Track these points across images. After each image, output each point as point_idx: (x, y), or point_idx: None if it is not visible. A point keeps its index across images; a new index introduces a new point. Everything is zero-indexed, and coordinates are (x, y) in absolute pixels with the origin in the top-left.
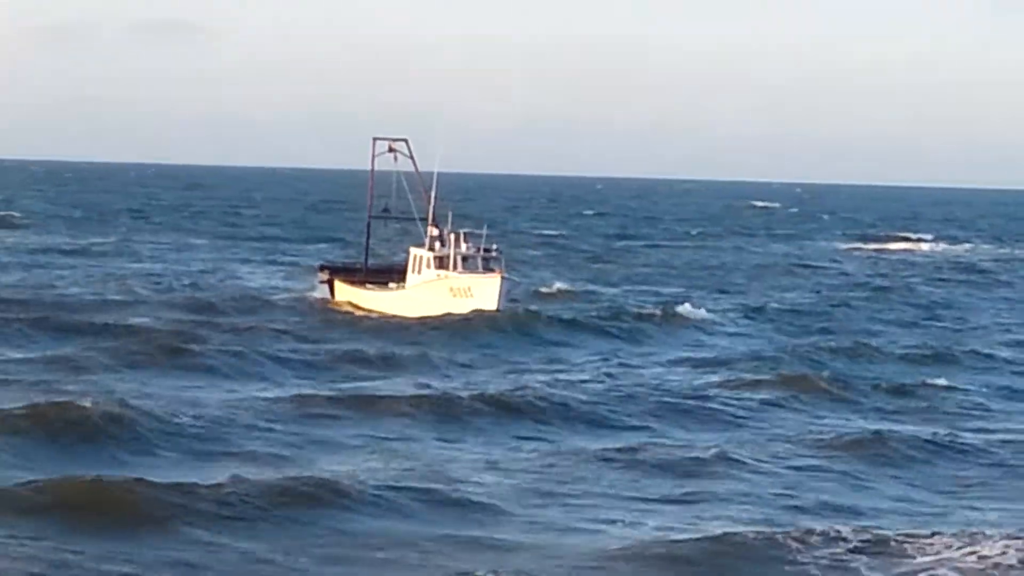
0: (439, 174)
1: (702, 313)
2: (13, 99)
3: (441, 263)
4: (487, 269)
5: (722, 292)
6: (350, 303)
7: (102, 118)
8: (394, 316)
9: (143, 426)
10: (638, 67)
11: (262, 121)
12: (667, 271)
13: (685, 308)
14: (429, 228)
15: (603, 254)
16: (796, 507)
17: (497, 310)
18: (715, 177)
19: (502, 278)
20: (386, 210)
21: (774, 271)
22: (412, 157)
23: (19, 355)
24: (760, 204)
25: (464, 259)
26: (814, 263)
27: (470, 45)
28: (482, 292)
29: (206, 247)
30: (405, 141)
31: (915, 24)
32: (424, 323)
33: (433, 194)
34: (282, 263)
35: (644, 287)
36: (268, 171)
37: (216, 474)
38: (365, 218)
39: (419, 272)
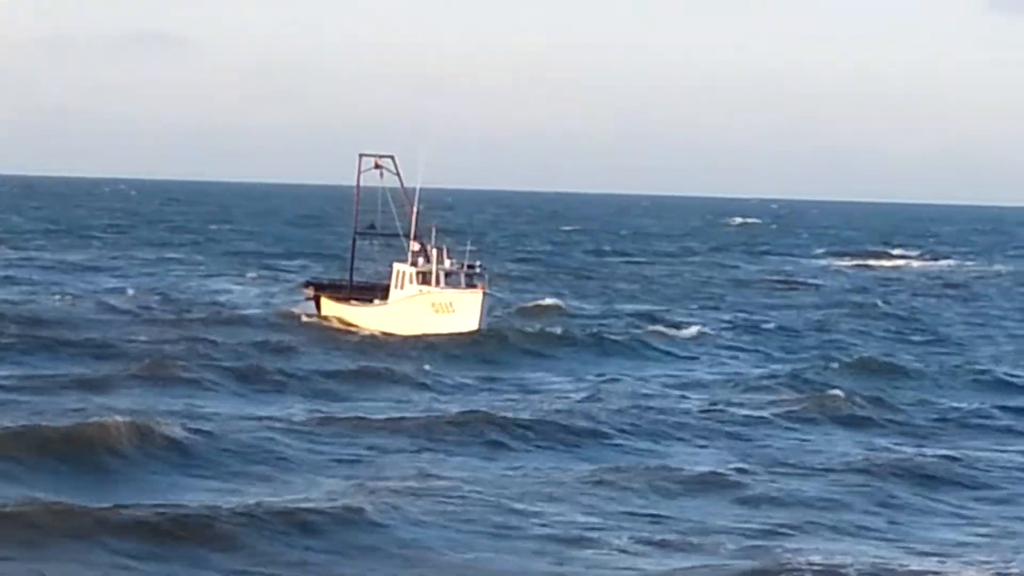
0: (424, 190)
1: (694, 331)
2: None
3: (423, 279)
4: (470, 285)
5: (711, 308)
6: (337, 319)
7: (75, 132)
8: (378, 332)
9: (182, 447)
10: (607, 78)
11: (239, 136)
12: (653, 287)
13: (684, 327)
14: (411, 243)
15: (586, 269)
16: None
17: (478, 329)
18: (686, 192)
19: (484, 294)
20: (372, 226)
21: (761, 287)
22: (398, 173)
23: (19, 372)
24: (740, 220)
25: (447, 275)
26: (803, 279)
27: (454, 58)
28: (464, 308)
29: (187, 262)
30: (391, 158)
31: (894, 40)
32: (417, 341)
33: (415, 209)
34: (266, 279)
35: (632, 304)
36: (247, 186)
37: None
38: (350, 234)
39: (402, 287)
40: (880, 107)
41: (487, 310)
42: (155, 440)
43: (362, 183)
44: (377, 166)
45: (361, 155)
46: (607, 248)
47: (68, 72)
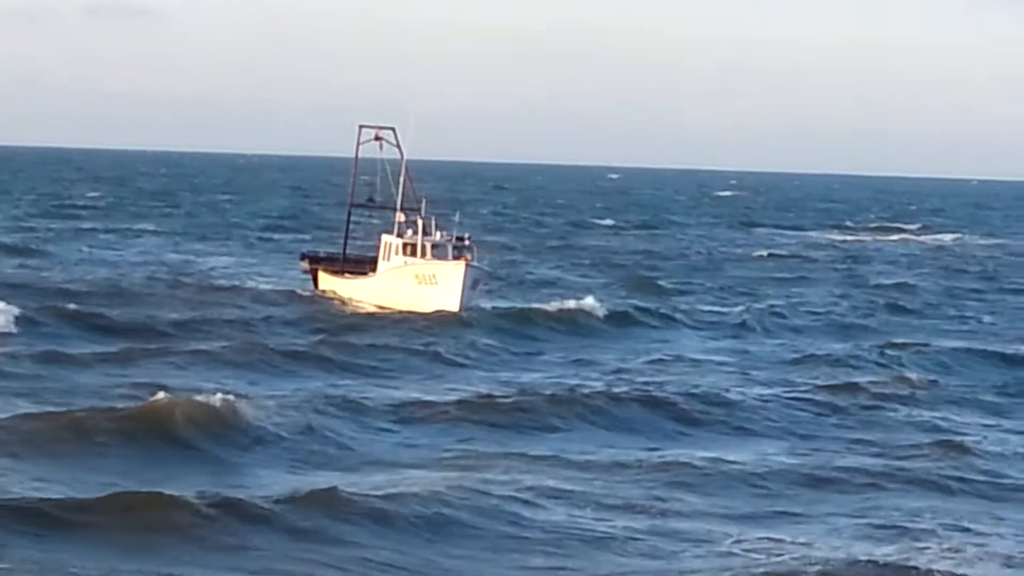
0: (416, 161)
1: (738, 310)
2: None
3: (410, 250)
4: (457, 257)
5: (726, 287)
6: (332, 293)
7: (57, 102)
8: (364, 304)
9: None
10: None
11: (223, 106)
12: (663, 263)
13: (727, 306)
14: (397, 214)
15: (585, 243)
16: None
17: (460, 302)
18: (653, 164)
19: (467, 265)
20: (371, 199)
21: (771, 263)
22: (399, 146)
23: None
24: (725, 193)
25: (434, 247)
26: (808, 254)
27: (446, 31)
28: (446, 279)
29: (182, 236)
30: (392, 129)
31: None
32: (452, 315)
33: (402, 180)
34: (264, 252)
35: (637, 280)
36: (225, 156)
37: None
38: (346, 206)
39: (388, 259)
40: (844, 82)
41: (473, 282)
42: (221, 421)
43: (359, 155)
44: (377, 138)
45: (361, 126)
46: (604, 219)
47: (46, 42)
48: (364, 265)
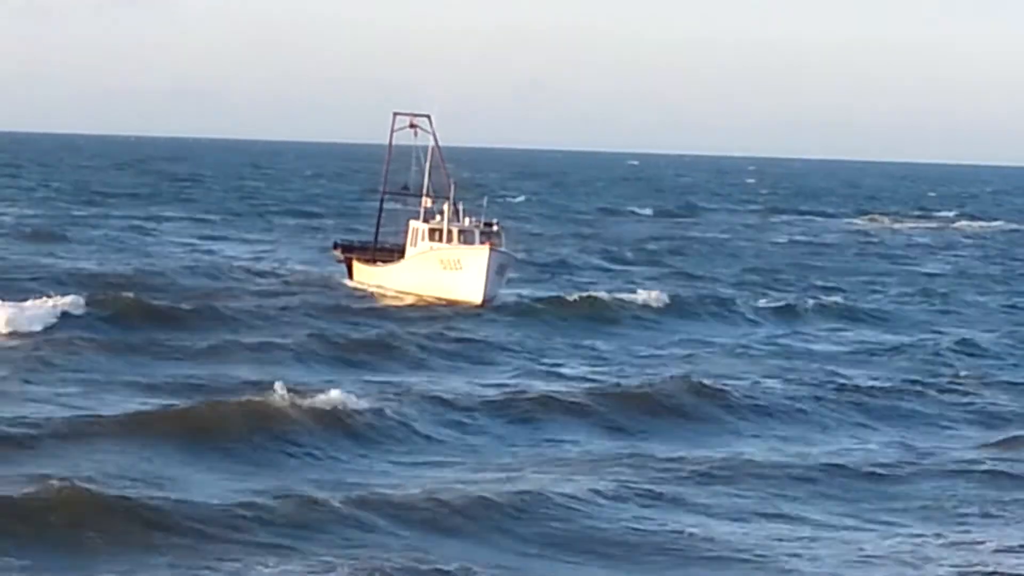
0: (446, 148)
1: (789, 298)
2: None
3: (436, 235)
4: (485, 243)
5: (775, 275)
6: (367, 282)
7: (69, 90)
8: (391, 290)
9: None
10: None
11: (232, 95)
12: (701, 249)
13: (774, 294)
14: (423, 199)
15: (624, 230)
16: None
17: (484, 297)
18: (661, 150)
19: (492, 249)
20: (405, 187)
21: (813, 249)
22: (434, 133)
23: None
24: (750, 180)
25: (462, 232)
26: (838, 242)
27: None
28: (470, 264)
29: (215, 222)
30: (428, 117)
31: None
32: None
33: (427, 167)
34: (297, 238)
35: (686, 268)
36: (234, 143)
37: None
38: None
39: (415, 245)
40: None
41: (499, 268)
42: (340, 416)
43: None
44: (412, 125)
45: (395, 114)
46: (628, 207)
47: (57, 30)
48: (395, 254)
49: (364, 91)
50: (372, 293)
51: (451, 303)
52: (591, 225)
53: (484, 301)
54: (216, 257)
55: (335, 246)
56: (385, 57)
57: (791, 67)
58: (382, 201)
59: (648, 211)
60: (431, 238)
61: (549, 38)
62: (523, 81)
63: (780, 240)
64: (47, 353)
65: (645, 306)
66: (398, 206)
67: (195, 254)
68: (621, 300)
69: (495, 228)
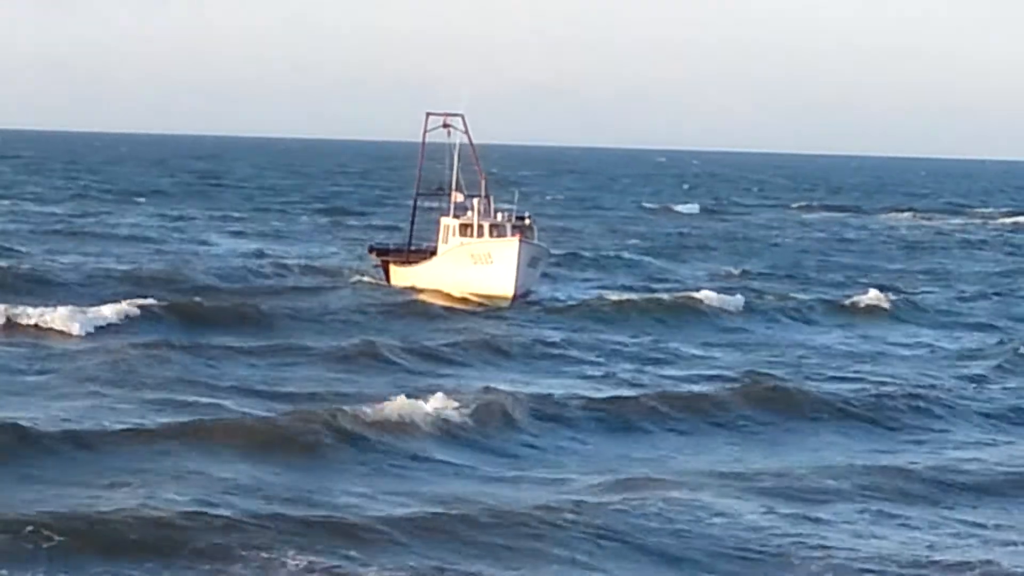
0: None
1: (872, 296)
2: None
3: (467, 231)
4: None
5: (836, 272)
6: (403, 283)
7: (86, 86)
8: (424, 288)
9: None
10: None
11: (253, 90)
12: (753, 247)
13: (873, 295)
14: (453, 195)
15: (671, 228)
16: None
17: (515, 282)
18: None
19: (522, 241)
20: (440, 188)
21: (864, 245)
22: (468, 132)
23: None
24: (781, 179)
25: (493, 226)
26: (885, 238)
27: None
28: (501, 257)
29: (252, 221)
30: (461, 116)
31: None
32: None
33: (456, 161)
34: (332, 235)
35: (746, 267)
36: (271, 141)
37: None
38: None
39: (447, 242)
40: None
41: (531, 260)
42: (446, 425)
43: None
44: (445, 125)
45: (428, 114)
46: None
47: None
48: (429, 255)
49: (390, 88)
50: (417, 293)
51: (484, 299)
52: (636, 223)
53: (516, 295)
54: (260, 256)
55: (370, 250)
56: (409, 52)
57: (797, 61)
58: (415, 202)
59: (694, 208)
60: (462, 234)
61: (571, 37)
62: (547, 79)
63: (822, 235)
64: (127, 357)
65: (720, 308)
66: (435, 204)
67: (237, 254)
68: (696, 300)
69: (527, 221)
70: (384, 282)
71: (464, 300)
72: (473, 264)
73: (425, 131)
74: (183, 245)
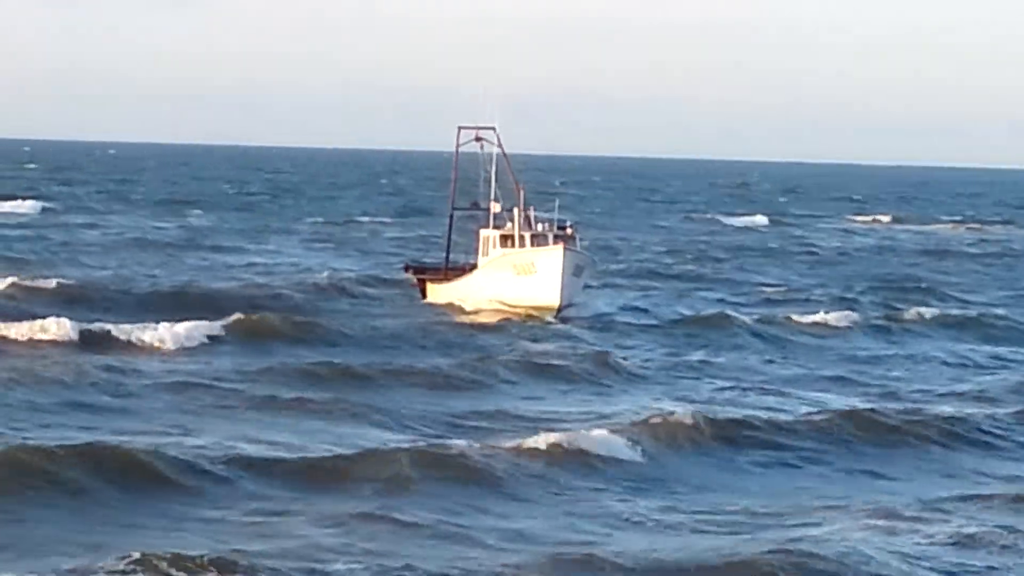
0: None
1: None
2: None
3: (508, 242)
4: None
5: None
6: (441, 302)
7: (90, 94)
8: (466, 303)
9: None
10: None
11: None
12: (823, 260)
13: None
14: (491, 205)
15: (736, 240)
16: None
17: (561, 291)
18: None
19: (566, 250)
20: (475, 204)
21: (927, 258)
22: (501, 146)
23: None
24: (740, 181)
25: (534, 236)
26: (954, 249)
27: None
28: (545, 266)
29: (301, 234)
30: (493, 129)
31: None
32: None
33: (493, 172)
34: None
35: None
36: (300, 151)
37: None
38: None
39: (487, 254)
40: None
41: (575, 269)
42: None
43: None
44: (478, 139)
45: (460, 127)
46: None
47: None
48: (467, 271)
49: (421, 98)
50: (462, 309)
51: (531, 311)
52: (689, 234)
53: (561, 305)
54: (317, 272)
55: (406, 268)
56: (431, 58)
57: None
58: (451, 218)
59: (763, 220)
60: (503, 245)
61: (598, 43)
62: (573, 87)
63: (888, 245)
64: (245, 380)
65: (822, 324)
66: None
67: (302, 272)
68: (795, 319)
69: (568, 231)
70: (421, 299)
71: (505, 313)
72: (516, 275)
73: (457, 145)
74: (242, 260)
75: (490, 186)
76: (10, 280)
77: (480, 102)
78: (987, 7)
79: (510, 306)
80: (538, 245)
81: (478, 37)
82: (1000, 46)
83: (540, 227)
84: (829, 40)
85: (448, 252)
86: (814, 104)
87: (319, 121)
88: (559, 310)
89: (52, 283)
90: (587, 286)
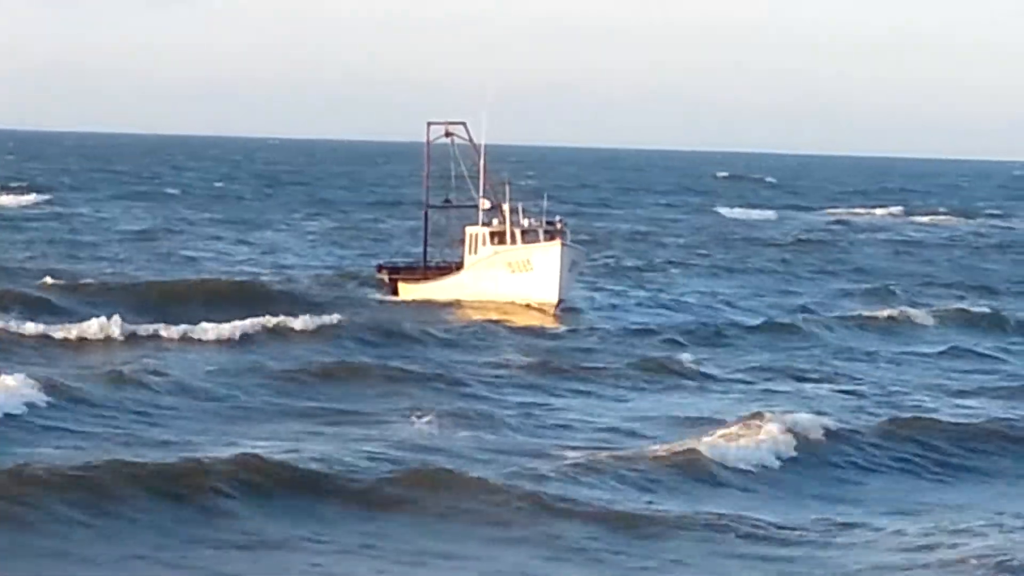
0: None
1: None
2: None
3: (498, 239)
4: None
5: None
6: (416, 300)
7: (86, 86)
8: (454, 301)
9: None
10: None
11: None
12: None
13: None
14: (480, 201)
15: (766, 234)
16: None
17: (560, 289)
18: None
19: (562, 245)
20: (447, 201)
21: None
22: (472, 141)
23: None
24: (725, 174)
25: (524, 233)
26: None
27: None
28: (542, 263)
29: (314, 230)
30: (463, 124)
31: None
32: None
33: (482, 166)
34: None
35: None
36: (304, 143)
37: None
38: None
39: (475, 252)
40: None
41: (570, 264)
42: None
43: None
44: (448, 134)
45: (430, 123)
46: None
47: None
48: (449, 269)
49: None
50: (454, 306)
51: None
52: (710, 229)
53: (560, 302)
54: (332, 268)
55: (379, 269)
56: (422, 52)
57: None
58: (426, 217)
59: (771, 214)
60: (493, 242)
61: (584, 36)
62: (556, 79)
63: (922, 239)
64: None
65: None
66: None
67: (318, 268)
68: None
69: (559, 226)
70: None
71: (511, 313)
72: (511, 273)
73: (428, 142)
74: (259, 253)
75: (466, 182)
76: (47, 279)
77: (473, 98)
78: (987, 7)
79: (507, 303)
80: (529, 241)
81: (479, 37)
82: (1000, 46)
83: (528, 221)
84: (829, 40)
85: (425, 250)
86: (814, 104)
87: (319, 114)
88: (557, 306)
89: (89, 281)
90: (581, 274)
